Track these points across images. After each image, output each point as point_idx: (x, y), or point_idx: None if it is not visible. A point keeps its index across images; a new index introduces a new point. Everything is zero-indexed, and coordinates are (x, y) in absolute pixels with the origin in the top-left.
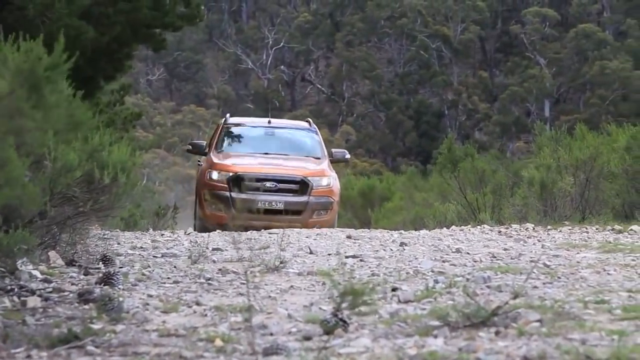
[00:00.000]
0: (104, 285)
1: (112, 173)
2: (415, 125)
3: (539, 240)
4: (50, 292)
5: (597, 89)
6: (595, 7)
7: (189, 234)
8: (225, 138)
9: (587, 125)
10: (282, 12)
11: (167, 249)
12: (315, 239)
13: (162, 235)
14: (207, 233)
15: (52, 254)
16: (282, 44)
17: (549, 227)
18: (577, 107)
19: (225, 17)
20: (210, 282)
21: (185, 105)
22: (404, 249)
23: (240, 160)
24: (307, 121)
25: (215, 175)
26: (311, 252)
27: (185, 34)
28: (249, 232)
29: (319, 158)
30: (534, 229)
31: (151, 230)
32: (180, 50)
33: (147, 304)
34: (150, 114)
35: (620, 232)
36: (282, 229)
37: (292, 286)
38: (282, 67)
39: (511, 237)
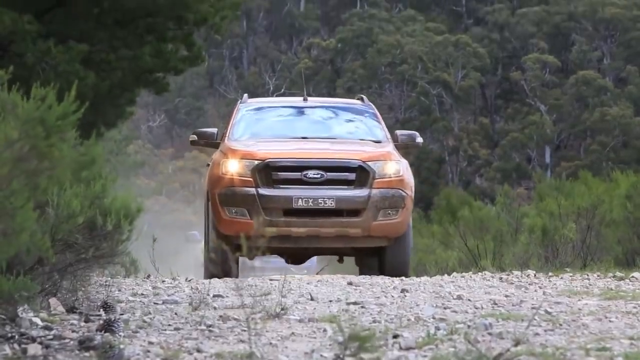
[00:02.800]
0: (105, 332)
1: (115, 220)
2: (416, 172)
3: (540, 287)
4: (51, 339)
5: (598, 136)
6: (595, 54)
7: (190, 280)
8: (246, 121)
9: (588, 171)
10: (282, 59)
11: (168, 295)
12: (316, 286)
13: (163, 281)
14: (209, 280)
15: (53, 301)
16: (283, 89)
17: (550, 274)
18: (578, 154)
19: (226, 63)
20: (211, 329)
21: (187, 152)
22: (405, 296)
23: (269, 145)
24: (359, 98)
25: (234, 165)
26: (312, 299)
27: (186, 80)
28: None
29: (379, 142)
30: (535, 275)
31: (152, 276)
32: (181, 96)
33: (148, 351)
34: (151, 161)
35: (622, 279)
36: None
37: (293, 333)
38: None
39: (512, 283)
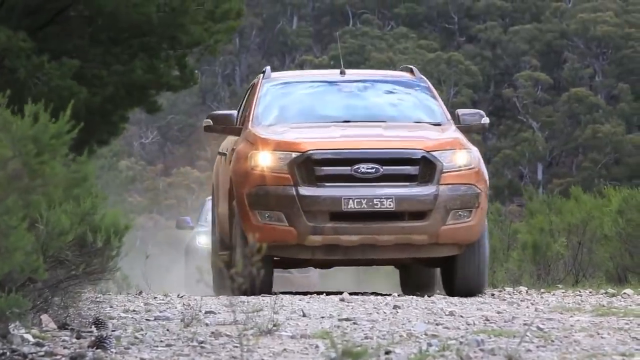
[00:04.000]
0: (97, 348)
1: (105, 236)
2: None
3: (532, 304)
4: (43, 355)
5: (590, 153)
6: (587, 72)
7: (181, 297)
8: (272, 101)
9: (580, 188)
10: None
11: (160, 311)
12: (308, 302)
13: (155, 298)
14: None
15: (44, 317)
16: None
17: (542, 290)
18: (570, 171)
19: (219, 80)
20: (203, 345)
21: (176, 168)
22: (397, 312)
23: (307, 132)
24: (407, 69)
25: (266, 159)
26: (304, 315)
27: (178, 98)
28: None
29: (439, 124)
30: (527, 292)
31: (143, 293)
32: (174, 113)
33: None
34: (143, 177)
35: (613, 295)
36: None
37: (285, 349)
38: None
39: (504, 300)
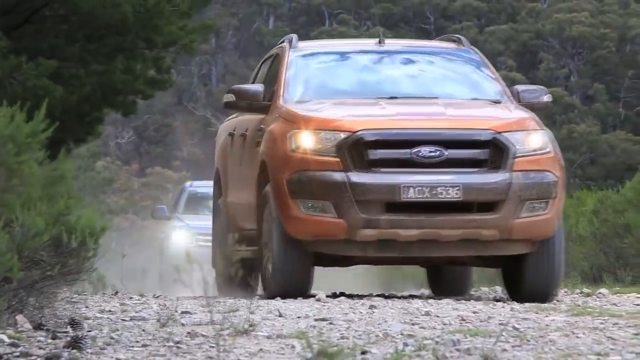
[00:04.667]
0: (72, 349)
1: (80, 237)
2: None
3: (508, 303)
4: (18, 356)
5: (565, 153)
6: (563, 72)
7: (157, 297)
8: (303, 74)
9: None
10: (251, 76)
11: (136, 312)
12: (284, 302)
13: (131, 298)
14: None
15: (19, 318)
16: None
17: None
18: None
19: (195, 80)
20: (179, 345)
21: (151, 168)
22: (374, 312)
23: (356, 109)
24: (453, 39)
25: (309, 140)
26: (280, 315)
27: (154, 98)
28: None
29: (498, 101)
30: (503, 291)
31: (119, 293)
32: (150, 113)
33: None
34: (120, 177)
35: (588, 295)
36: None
37: (261, 349)
38: None
39: (480, 300)
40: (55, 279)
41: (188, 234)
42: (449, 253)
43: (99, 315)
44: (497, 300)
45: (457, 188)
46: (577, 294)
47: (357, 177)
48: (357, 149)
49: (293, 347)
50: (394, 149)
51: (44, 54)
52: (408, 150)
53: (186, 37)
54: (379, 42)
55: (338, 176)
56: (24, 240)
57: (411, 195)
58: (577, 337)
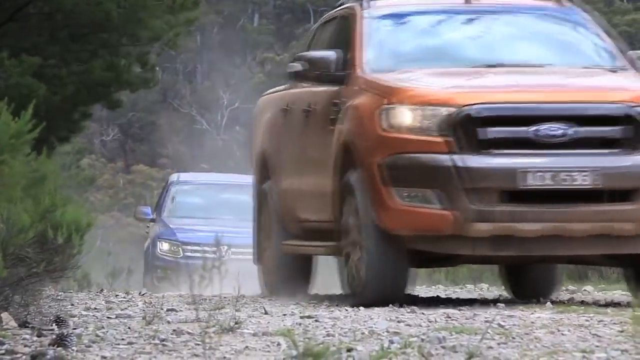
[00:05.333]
0: (58, 347)
1: (66, 234)
2: None
3: (493, 300)
4: (3, 354)
5: None
6: None
7: (143, 294)
8: (383, 39)
9: None
10: (236, 73)
11: (121, 309)
12: (270, 300)
13: (116, 295)
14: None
15: (4, 315)
16: (237, 104)
17: (503, 287)
18: None
19: (180, 77)
20: (164, 343)
21: (135, 165)
22: (359, 309)
23: (459, 79)
24: None
25: (407, 116)
26: (266, 313)
27: (139, 95)
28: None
29: (614, 69)
30: (488, 289)
31: (105, 291)
32: (135, 111)
33: None
34: (104, 175)
35: (574, 292)
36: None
37: (247, 347)
38: (237, 127)
39: (466, 297)
40: (41, 276)
41: (175, 244)
42: (576, 251)
43: (84, 312)
44: (483, 298)
45: (585, 173)
46: (562, 291)
47: (466, 160)
48: (466, 127)
49: (279, 344)
50: (510, 127)
51: (27, 52)
52: (526, 129)
53: (170, 31)
54: (466, 2)
55: (443, 159)
56: (9, 237)
57: (530, 182)
58: (563, 334)
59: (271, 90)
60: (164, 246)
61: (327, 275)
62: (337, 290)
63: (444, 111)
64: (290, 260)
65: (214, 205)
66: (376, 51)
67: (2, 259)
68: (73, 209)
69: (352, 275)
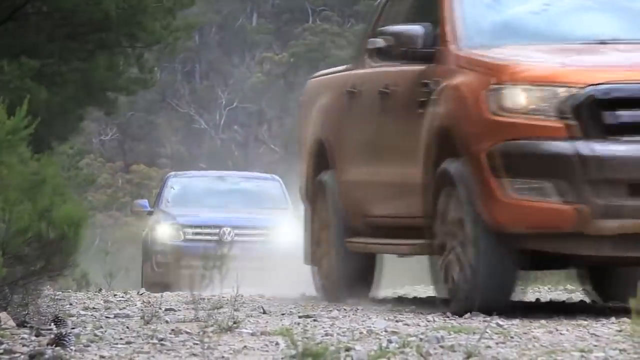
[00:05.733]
0: (56, 346)
1: (60, 229)
2: None
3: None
4: (1, 353)
5: None
6: None
7: (141, 294)
8: (478, 12)
9: None
10: (235, 73)
11: (120, 309)
12: (269, 299)
13: (115, 295)
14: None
15: (3, 315)
16: (235, 104)
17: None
18: None
19: (179, 77)
20: (163, 342)
21: (135, 165)
22: (358, 309)
23: (575, 57)
24: None
25: (519, 97)
26: (264, 312)
27: (138, 95)
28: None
29: None
30: None
31: (103, 290)
32: (134, 110)
33: None
34: (103, 175)
35: (572, 291)
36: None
37: (245, 346)
38: (235, 127)
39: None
40: (39, 276)
41: (174, 227)
42: None
43: (82, 312)
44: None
45: None
46: (560, 290)
47: (591, 147)
48: (590, 110)
49: (277, 344)
50: None
51: (26, 52)
52: None
53: (170, 35)
54: None
55: (564, 146)
56: (8, 237)
57: None
58: (561, 333)
59: (324, 72)
60: (164, 230)
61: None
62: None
63: (564, 91)
64: (353, 260)
65: (214, 193)
66: (471, 25)
67: (1, 258)
68: (71, 207)
69: (450, 277)
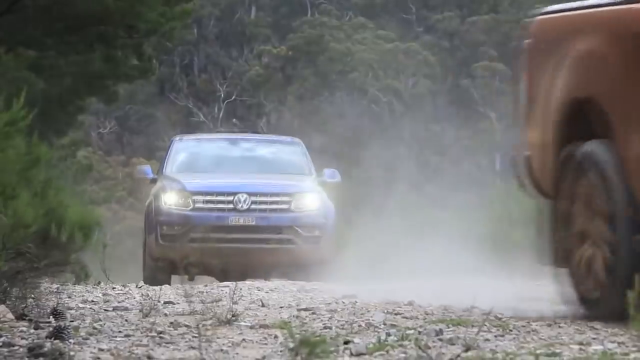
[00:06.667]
0: (55, 339)
1: (70, 231)
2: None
3: (491, 293)
4: (0, 346)
5: None
6: None
7: (140, 287)
8: None
9: None
10: (233, 66)
11: (119, 302)
12: (267, 292)
13: (114, 288)
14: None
15: (2, 308)
16: (234, 97)
17: (500, 279)
18: None
19: (177, 70)
20: (161, 335)
21: (135, 158)
22: (356, 302)
23: None
24: None
25: None
26: (263, 305)
27: (136, 88)
28: (206, 285)
29: None
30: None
31: (102, 283)
32: (132, 103)
33: (98, 358)
34: (102, 168)
35: None
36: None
37: (244, 339)
38: (234, 120)
39: (463, 289)
40: (40, 270)
41: (182, 195)
42: None
43: (81, 305)
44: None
45: None
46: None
47: None
48: None
49: (276, 337)
50: None
51: (24, 44)
52: None
53: (166, 24)
54: None
55: None
56: (11, 231)
57: None
58: (560, 326)
59: (568, 7)
60: (170, 198)
61: None
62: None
63: None
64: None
65: (226, 158)
66: None
67: (2, 252)
68: (77, 207)
69: None
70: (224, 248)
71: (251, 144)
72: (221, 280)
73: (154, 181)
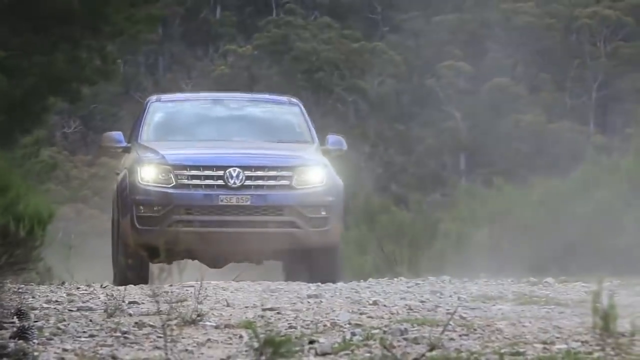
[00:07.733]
0: (19, 339)
1: (28, 226)
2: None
3: (455, 293)
4: None
5: (512, 142)
6: (509, 62)
7: (105, 287)
8: None
9: (502, 177)
10: (198, 65)
11: (83, 302)
12: (232, 292)
13: (78, 288)
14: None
15: None
16: None
17: (465, 279)
18: (493, 160)
19: (142, 69)
20: (126, 335)
21: (100, 158)
22: (321, 302)
23: None
24: None
25: None
26: (228, 305)
27: (101, 87)
28: (168, 284)
29: None
30: (450, 281)
31: (66, 283)
32: (97, 102)
33: (63, 358)
34: (66, 167)
35: (535, 284)
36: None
37: (209, 339)
38: None
39: (427, 289)
40: (3, 269)
41: (162, 169)
42: None
43: (45, 305)
44: (445, 290)
45: None
46: (523, 282)
47: None
48: None
49: (241, 337)
50: None
51: None
52: None
53: (132, 27)
54: None
55: None
56: None
57: None
58: (524, 325)
59: None
60: (148, 172)
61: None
62: None
63: None
64: None
65: (212, 122)
66: None
67: None
68: (35, 201)
69: None
70: (214, 233)
71: (242, 104)
72: (211, 267)
73: (126, 150)
